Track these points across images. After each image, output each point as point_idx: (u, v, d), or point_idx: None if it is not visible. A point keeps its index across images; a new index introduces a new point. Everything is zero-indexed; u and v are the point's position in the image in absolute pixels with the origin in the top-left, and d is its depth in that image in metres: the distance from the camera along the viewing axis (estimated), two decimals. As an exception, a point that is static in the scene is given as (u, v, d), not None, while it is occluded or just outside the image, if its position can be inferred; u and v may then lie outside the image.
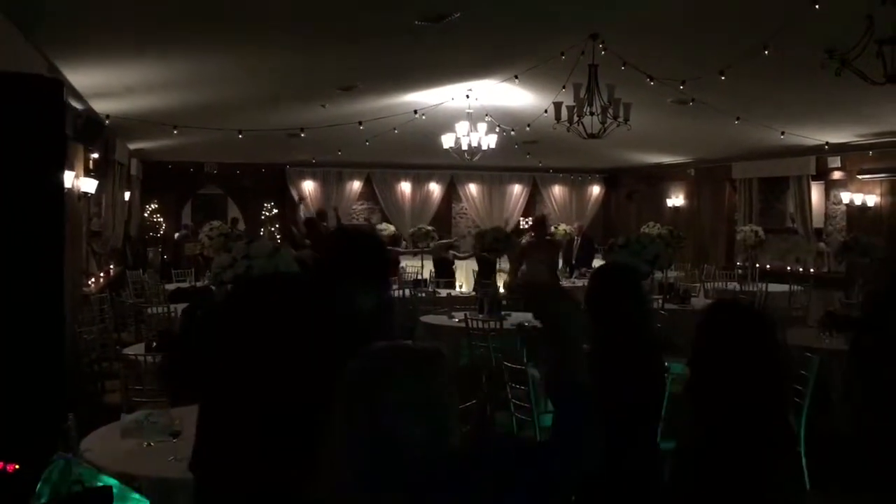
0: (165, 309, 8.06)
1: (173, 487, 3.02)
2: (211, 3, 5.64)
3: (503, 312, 7.70)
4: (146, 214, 15.91)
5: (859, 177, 11.90)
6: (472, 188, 17.57)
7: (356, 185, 16.86)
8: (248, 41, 6.73)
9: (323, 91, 8.87)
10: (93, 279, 9.83)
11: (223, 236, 7.47)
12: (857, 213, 11.93)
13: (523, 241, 10.09)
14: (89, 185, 9.07)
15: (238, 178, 16.06)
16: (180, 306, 7.51)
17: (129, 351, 5.97)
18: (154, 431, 3.46)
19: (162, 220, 16.20)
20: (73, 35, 6.01)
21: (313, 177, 16.56)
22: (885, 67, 4.59)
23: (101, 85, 7.73)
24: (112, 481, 1.65)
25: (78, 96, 7.99)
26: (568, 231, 15.23)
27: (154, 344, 5.62)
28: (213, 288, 5.46)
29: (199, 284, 10.14)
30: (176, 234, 15.75)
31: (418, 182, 17.20)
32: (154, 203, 16.17)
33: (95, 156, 9.88)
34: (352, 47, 7.10)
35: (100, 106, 8.58)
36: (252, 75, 8.04)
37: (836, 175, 12.48)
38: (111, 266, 11.50)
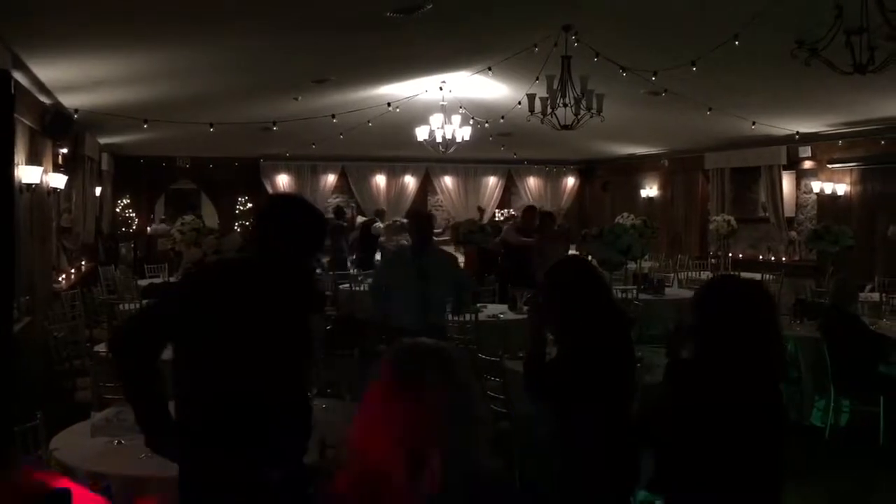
0: (138, 305, 7.96)
1: (144, 485, 2.99)
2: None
3: (479, 305, 7.70)
4: (118, 210, 15.72)
5: (829, 166, 12.03)
6: (448, 180, 17.57)
7: (331, 179, 16.79)
8: (218, 33, 6.65)
9: (296, 84, 8.81)
10: (63, 275, 9.69)
11: (195, 231, 7.40)
12: (828, 202, 12.07)
13: (517, 234, 9.68)
14: (58, 181, 8.93)
15: (211, 173, 15.91)
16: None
17: (100, 348, 5.90)
18: (124, 429, 3.42)
19: (134, 215, 16.02)
20: (38, 28, 5.90)
21: (287, 170, 16.47)
22: (854, 57, 4.63)
23: (69, 79, 7.60)
24: (69, 486, 1.62)
25: (45, 90, 7.87)
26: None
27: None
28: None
29: (172, 280, 10.04)
30: (148, 228, 15.60)
31: (393, 175, 17.15)
32: (126, 198, 15.98)
33: (65, 151, 9.74)
34: (324, 39, 7.05)
35: (68, 100, 8.45)
36: (223, 68, 7.95)
37: (807, 164, 12.62)
38: (82, 262, 11.35)
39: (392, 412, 1.49)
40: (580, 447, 2.85)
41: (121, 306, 8.11)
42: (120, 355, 2.63)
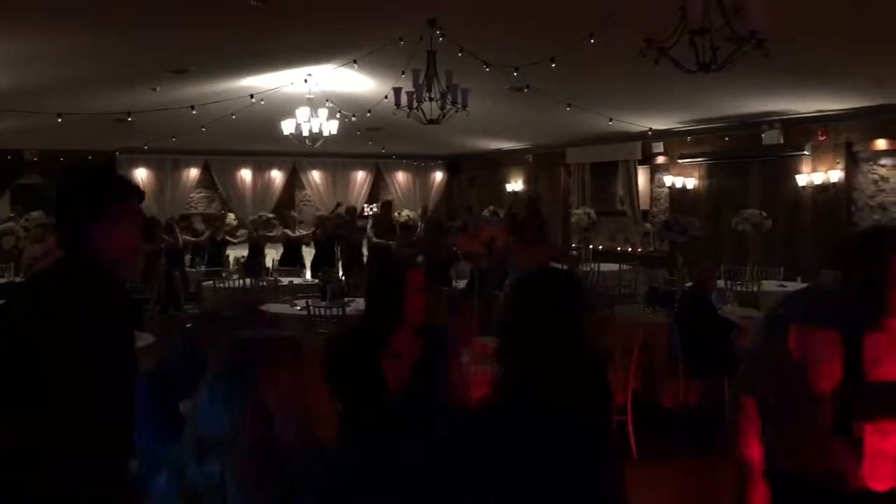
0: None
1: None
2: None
3: (346, 299, 7.66)
4: (-44, 206, 14.58)
5: (680, 161, 12.73)
6: (316, 175, 17.36)
7: (193, 173, 16.23)
8: (65, 19, 6.29)
9: (152, 74, 8.45)
10: None
11: (41, 227, 6.97)
12: (679, 196, 12.76)
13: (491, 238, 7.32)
14: None
15: (62, 167, 15.01)
16: (-5, 303, 6.93)
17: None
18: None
19: (-24, 212, 14.90)
20: None
21: (146, 164, 15.79)
22: (698, 57, 4.90)
23: None
24: None
25: None
26: (412, 217, 15.40)
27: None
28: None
29: (17, 280, 9.41)
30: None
31: (259, 169, 16.78)
32: (-34, 194, 14.83)
33: None
34: (181, 28, 6.80)
35: None
36: (72, 55, 7.52)
37: (660, 160, 13.28)
38: (-85, 263, 10.47)
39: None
40: None
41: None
42: None
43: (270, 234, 12.96)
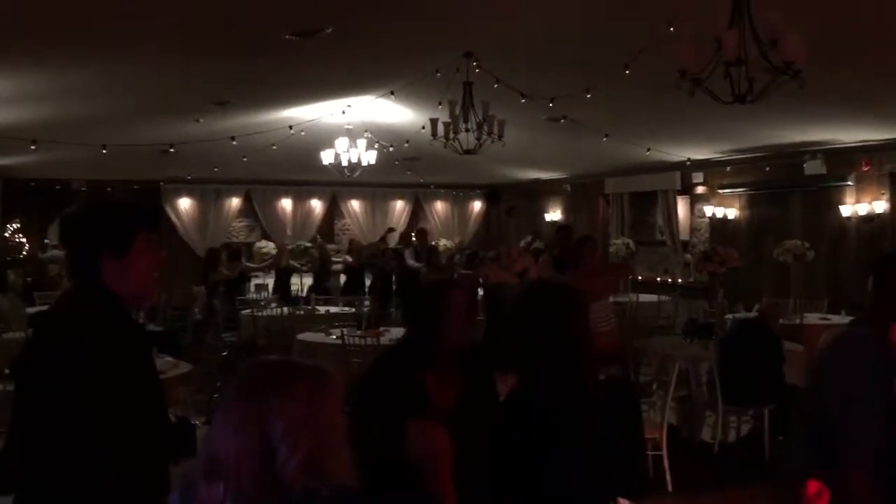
0: (25, 334, 7.61)
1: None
2: (73, 12, 5.39)
3: (381, 328, 7.68)
4: (7, 234, 14.97)
5: (720, 191, 12.60)
6: (355, 204, 17.52)
7: (235, 202, 16.49)
8: (112, 53, 6.47)
9: (195, 105, 8.65)
10: (-56, 304, 9.17)
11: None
12: (720, 226, 12.61)
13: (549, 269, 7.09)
14: (-61, 204, 8.48)
15: (109, 196, 15.35)
16: (41, 330, 7.09)
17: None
18: None
19: (25, 240, 15.28)
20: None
21: (190, 194, 16.10)
22: (733, 88, 4.87)
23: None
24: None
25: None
26: (449, 246, 15.45)
27: (7, 371, 5.28)
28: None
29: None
30: (51, 253, 14.94)
31: (299, 198, 16.99)
32: (16, 223, 15.23)
33: (-55, 172, 9.26)
34: (223, 61, 6.95)
35: (-51, 119, 8.06)
36: (118, 88, 7.73)
37: (700, 189, 13.16)
38: (-34, 290, 10.76)
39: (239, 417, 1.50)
40: None
41: (4, 335, 7.74)
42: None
43: (337, 261, 13.11)
